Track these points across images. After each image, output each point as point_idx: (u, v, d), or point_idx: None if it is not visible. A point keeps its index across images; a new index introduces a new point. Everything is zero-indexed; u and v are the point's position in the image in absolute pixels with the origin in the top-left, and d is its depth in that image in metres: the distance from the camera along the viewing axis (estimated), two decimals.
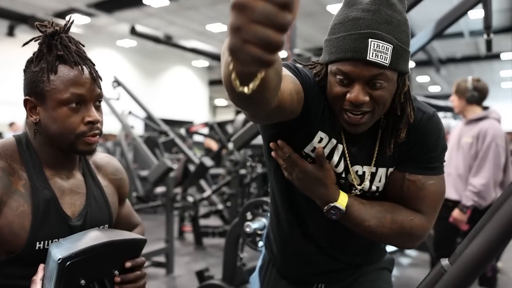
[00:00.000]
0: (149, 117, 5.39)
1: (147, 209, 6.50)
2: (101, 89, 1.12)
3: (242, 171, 5.79)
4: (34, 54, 1.09)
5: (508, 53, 13.79)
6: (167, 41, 13.00)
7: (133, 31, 11.76)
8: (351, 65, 1.01)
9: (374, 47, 0.98)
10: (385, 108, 1.07)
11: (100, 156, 1.31)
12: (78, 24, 12.18)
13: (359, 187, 1.17)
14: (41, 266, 1.02)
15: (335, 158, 1.15)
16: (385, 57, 0.98)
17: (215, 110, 28.56)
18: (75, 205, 1.13)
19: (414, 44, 2.87)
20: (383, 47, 0.98)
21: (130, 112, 5.76)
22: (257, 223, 2.06)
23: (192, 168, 5.94)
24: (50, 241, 1.05)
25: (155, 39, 12.69)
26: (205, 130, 9.14)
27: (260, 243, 2.06)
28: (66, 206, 1.11)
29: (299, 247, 1.31)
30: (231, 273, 2.48)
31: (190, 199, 5.78)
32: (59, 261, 0.95)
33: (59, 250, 0.98)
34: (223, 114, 27.73)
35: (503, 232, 0.78)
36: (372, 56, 0.98)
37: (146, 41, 13.63)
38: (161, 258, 4.64)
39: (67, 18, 1.15)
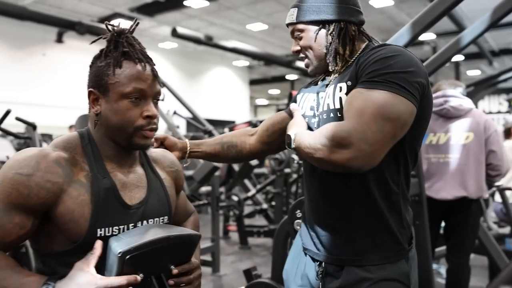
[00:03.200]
0: (194, 117, 5.43)
1: None
2: (160, 87, 1.18)
3: (287, 170, 5.75)
4: (101, 51, 1.15)
5: None
6: (208, 41, 13.13)
7: (174, 33, 11.93)
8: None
9: (288, 14, 1.41)
10: (316, 50, 1.37)
11: (155, 150, 1.35)
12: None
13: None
14: (90, 256, 1.02)
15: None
16: (292, 17, 1.39)
17: (256, 109, 28.63)
18: (135, 198, 1.16)
19: (466, 36, 2.72)
20: (291, 11, 1.40)
21: (175, 112, 5.82)
22: None
23: (236, 167, 5.94)
24: (110, 228, 1.08)
25: (196, 40, 12.84)
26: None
27: None
28: (126, 197, 1.14)
29: (307, 213, 1.45)
30: (280, 272, 2.43)
31: (235, 198, 5.78)
32: (119, 255, 0.97)
33: (119, 244, 1.00)
34: (264, 114, 27.78)
35: None
36: (287, 20, 1.42)
37: (187, 42, 13.82)
38: (207, 257, 4.65)
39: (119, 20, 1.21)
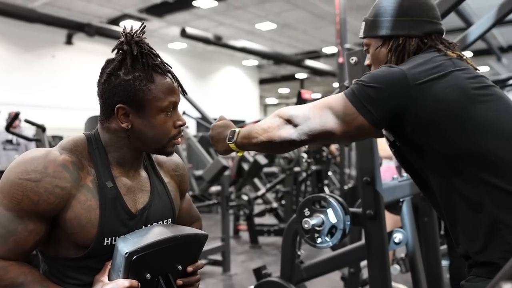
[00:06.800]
0: (203, 117, 5.46)
1: (202, 208, 6.60)
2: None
3: (296, 169, 5.76)
4: (117, 61, 1.10)
5: None
6: (217, 41, 13.12)
7: (184, 34, 11.96)
8: None
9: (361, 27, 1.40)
10: (376, 68, 1.31)
11: None
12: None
13: None
14: (106, 265, 1.06)
15: None
16: (362, 32, 1.38)
17: (266, 108, 28.62)
18: (139, 202, 1.15)
19: (473, 32, 2.70)
20: (362, 25, 1.38)
21: (184, 112, 5.85)
22: (315, 220, 2.01)
23: (246, 166, 5.96)
24: (116, 237, 1.08)
25: (205, 40, 12.86)
26: None
27: (319, 240, 2.01)
28: (130, 203, 1.13)
29: None
30: (289, 271, 2.44)
31: (245, 197, 5.80)
32: (126, 255, 0.98)
33: (126, 244, 1.01)
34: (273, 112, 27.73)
35: None
36: (359, 34, 1.40)
37: (196, 42, 13.85)
38: (218, 257, 4.67)
39: (120, 23, 1.19)
